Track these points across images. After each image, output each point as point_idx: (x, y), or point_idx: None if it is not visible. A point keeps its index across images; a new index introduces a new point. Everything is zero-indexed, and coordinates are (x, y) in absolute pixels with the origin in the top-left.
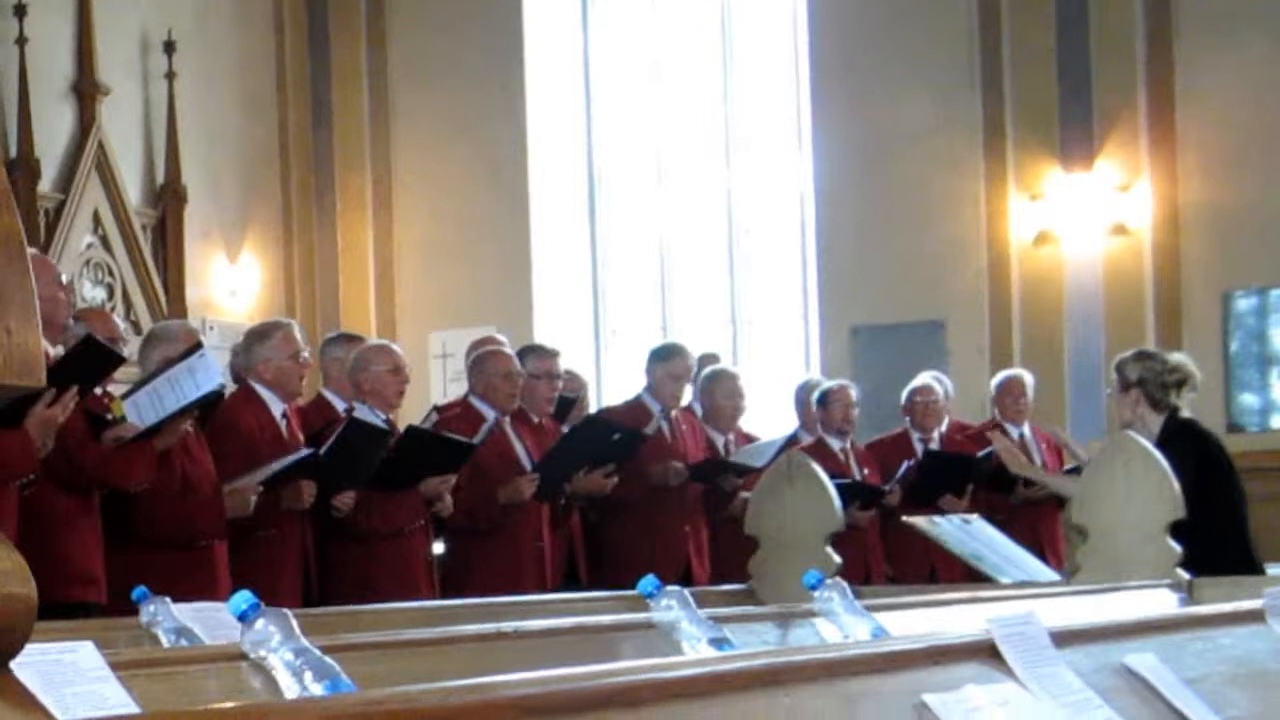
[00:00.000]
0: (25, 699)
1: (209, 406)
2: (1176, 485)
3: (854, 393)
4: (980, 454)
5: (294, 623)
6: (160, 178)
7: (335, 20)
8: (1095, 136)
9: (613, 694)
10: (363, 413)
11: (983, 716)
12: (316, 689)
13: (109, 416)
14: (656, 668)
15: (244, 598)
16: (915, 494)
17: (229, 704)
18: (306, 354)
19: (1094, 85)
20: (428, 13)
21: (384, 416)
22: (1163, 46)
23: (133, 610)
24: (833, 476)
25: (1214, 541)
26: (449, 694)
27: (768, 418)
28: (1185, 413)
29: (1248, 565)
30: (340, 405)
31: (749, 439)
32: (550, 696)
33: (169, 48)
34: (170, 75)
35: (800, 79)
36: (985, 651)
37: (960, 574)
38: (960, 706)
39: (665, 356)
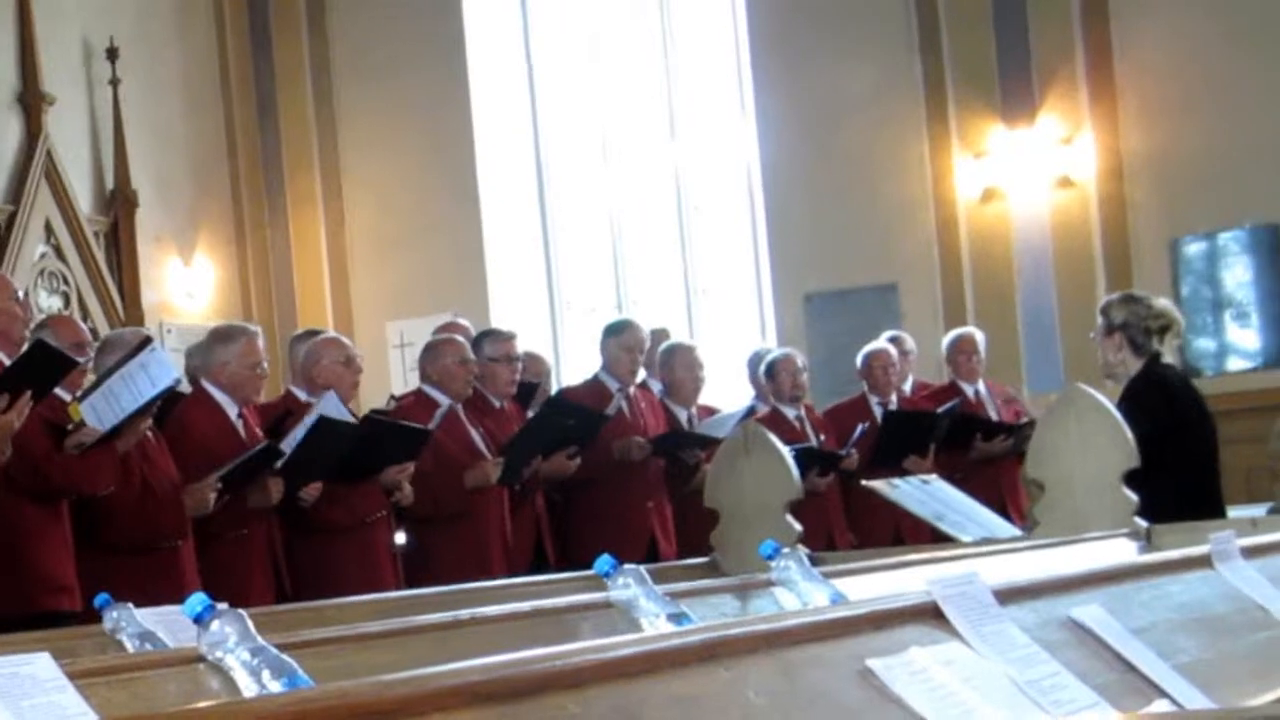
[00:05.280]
0: None
1: (166, 404)
2: (1130, 435)
3: (800, 360)
4: (940, 410)
5: (249, 623)
6: (110, 184)
7: (276, 17)
8: (1035, 91)
9: (555, 677)
10: (330, 406)
11: (927, 677)
12: (275, 687)
13: (69, 427)
14: (597, 649)
15: (199, 600)
16: (879, 456)
17: (174, 709)
18: (265, 365)
19: (1031, 40)
20: (367, 5)
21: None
22: None
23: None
24: (790, 444)
25: (1175, 492)
26: (387, 686)
27: (726, 389)
28: (1167, 358)
29: (1213, 513)
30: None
31: (711, 412)
32: (492, 683)
33: (112, 54)
34: (114, 81)
35: (740, 49)
36: (929, 613)
37: (927, 535)
38: (905, 669)
39: (617, 331)
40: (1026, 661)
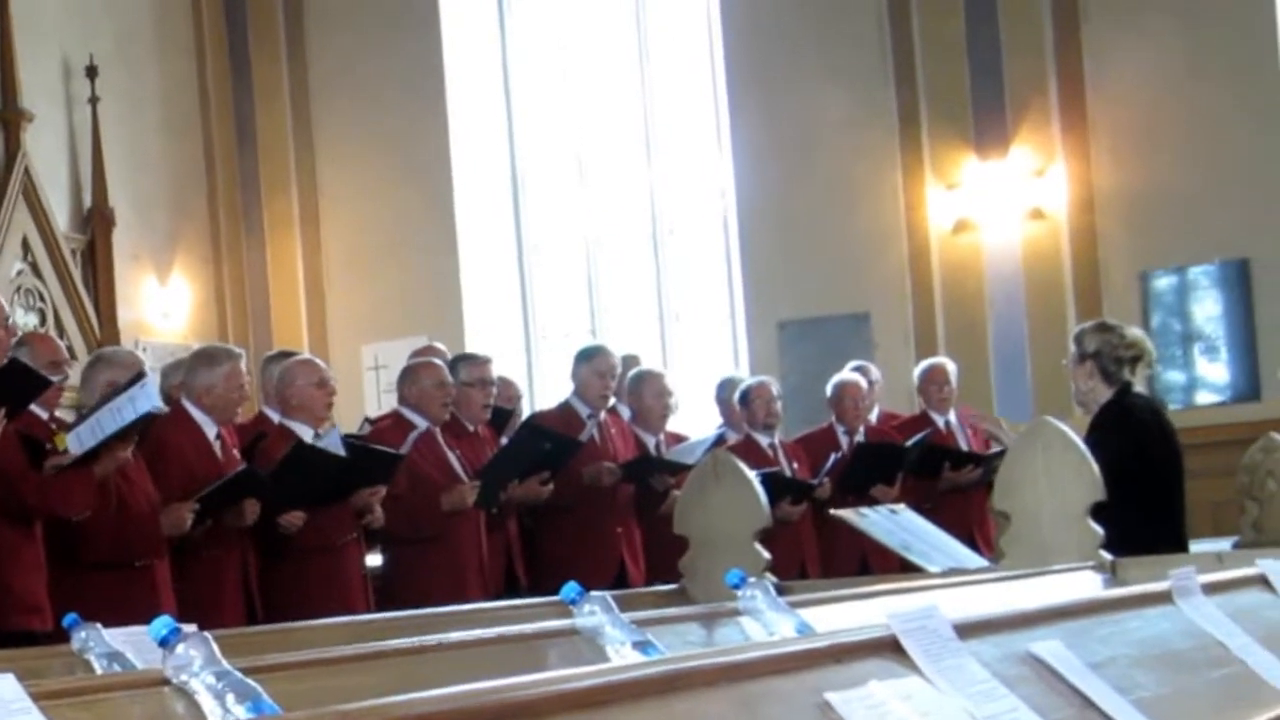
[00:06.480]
0: None
1: (144, 427)
2: (1096, 468)
3: (774, 387)
4: (909, 442)
5: (214, 646)
6: (87, 202)
7: (255, 40)
8: (1008, 123)
9: (515, 707)
10: (333, 441)
11: (885, 712)
12: (239, 711)
13: (48, 446)
14: (558, 680)
15: (164, 623)
16: (847, 484)
17: None
18: (247, 388)
19: (1005, 73)
20: (346, 28)
21: (315, 432)
22: (1070, 32)
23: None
24: (759, 470)
25: (1137, 523)
26: (349, 716)
27: (699, 416)
28: (1138, 387)
29: (1176, 544)
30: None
31: (679, 439)
32: (453, 713)
33: (91, 72)
34: (94, 100)
35: (716, 76)
36: (888, 647)
37: (894, 564)
38: (863, 703)
39: (588, 356)
40: (985, 696)
